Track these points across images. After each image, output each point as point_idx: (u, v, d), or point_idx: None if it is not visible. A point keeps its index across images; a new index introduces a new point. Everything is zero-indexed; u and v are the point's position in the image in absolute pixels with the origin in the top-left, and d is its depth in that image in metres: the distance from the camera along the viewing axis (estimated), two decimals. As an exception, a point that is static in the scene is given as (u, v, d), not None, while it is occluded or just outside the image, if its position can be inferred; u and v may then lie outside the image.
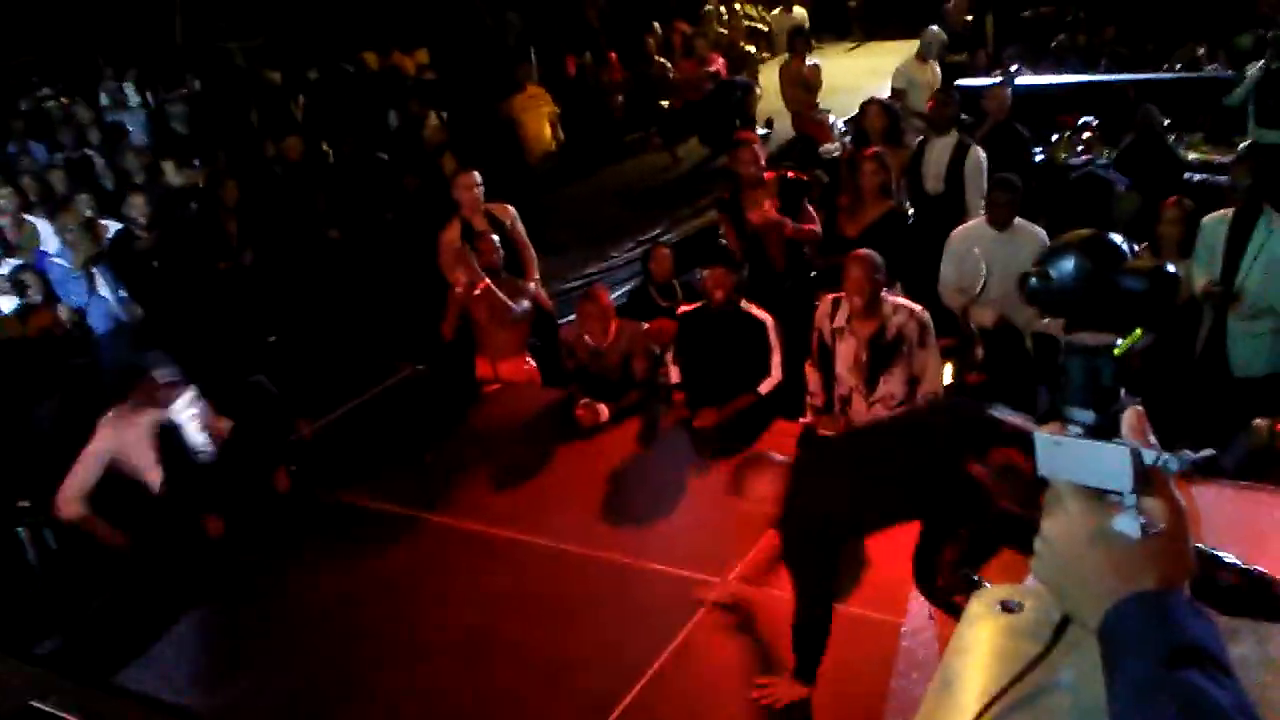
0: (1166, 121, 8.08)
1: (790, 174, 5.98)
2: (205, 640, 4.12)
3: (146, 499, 4.45)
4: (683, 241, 7.65)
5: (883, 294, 4.66)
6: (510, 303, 5.64)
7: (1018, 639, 1.15)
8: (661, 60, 10.96)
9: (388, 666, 3.67)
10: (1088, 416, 0.96)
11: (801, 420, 4.90)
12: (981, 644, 1.20)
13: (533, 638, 3.71)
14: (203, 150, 8.60)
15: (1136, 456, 0.88)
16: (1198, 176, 7.45)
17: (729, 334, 4.97)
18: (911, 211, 6.68)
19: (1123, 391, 0.97)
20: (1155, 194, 6.44)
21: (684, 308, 5.26)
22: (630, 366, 5.26)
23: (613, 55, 11.46)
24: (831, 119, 9.32)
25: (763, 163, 5.98)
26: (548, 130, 9.44)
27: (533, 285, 6.05)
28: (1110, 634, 0.85)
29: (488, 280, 5.58)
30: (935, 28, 8.98)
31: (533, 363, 6.02)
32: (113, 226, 7.06)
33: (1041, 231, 5.47)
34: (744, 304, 5.02)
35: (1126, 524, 0.87)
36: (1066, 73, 9.51)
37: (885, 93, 10.28)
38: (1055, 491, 0.93)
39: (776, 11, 13.12)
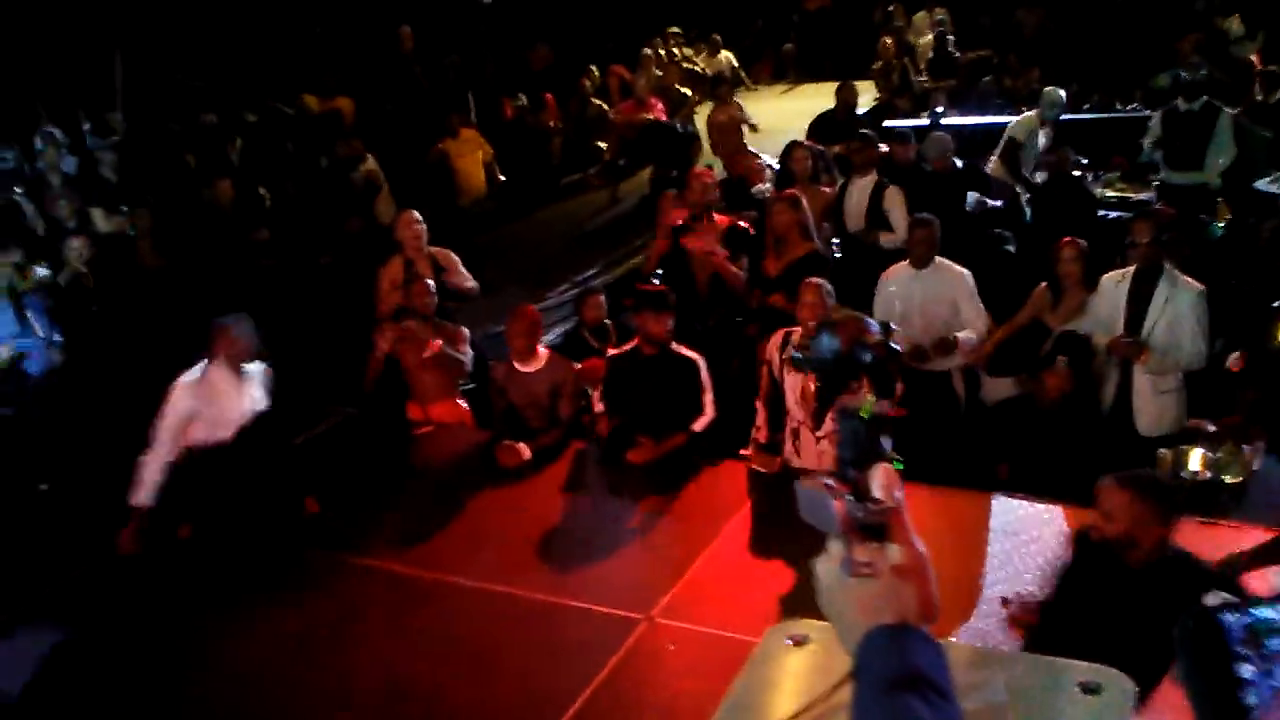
0: (1084, 160, 8.38)
1: (742, 224, 6.12)
2: (113, 683, 4.06)
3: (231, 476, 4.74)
4: (617, 282, 7.76)
5: (830, 323, 4.76)
6: (459, 356, 5.73)
7: (806, 671, 1.24)
8: (598, 103, 11.12)
9: (310, 714, 3.67)
10: (846, 470, 1.08)
11: (742, 453, 5.00)
12: (773, 675, 1.29)
13: (457, 679, 3.72)
14: (132, 197, 8.57)
15: (842, 506, 0.99)
16: (1113, 214, 7.72)
17: (660, 375, 5.05)
18: (838, 253, 6.87)
19: (888, 447, 1.09)
20: (1068, 232, 6.68)
21: (613, 350, 5.33)
22: (556, 402, 5.31)
23: (549, 97, 11.62)
24: (763, 160, 9.50)
25: (714, 196, 6.14)
26: (481, 173, 9.56)
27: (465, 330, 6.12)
28: (856, 663, 0.96)
29: (439, 342, 5.65)
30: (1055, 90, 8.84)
31: (465, 405, 6.06)
32: (39, 270, 7.05)
33: (963, 270, 5.63)
34: (674, 345, 5.11)
35: (844, 565, 0.99)
36: (991, 114, 9.79)
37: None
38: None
39: (705, 55, 13.39)
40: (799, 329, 4.78)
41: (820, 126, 8.98)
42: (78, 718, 3.80)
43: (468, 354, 5.96)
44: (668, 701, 3.64)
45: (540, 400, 5.26)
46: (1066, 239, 5.62)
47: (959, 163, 7.47)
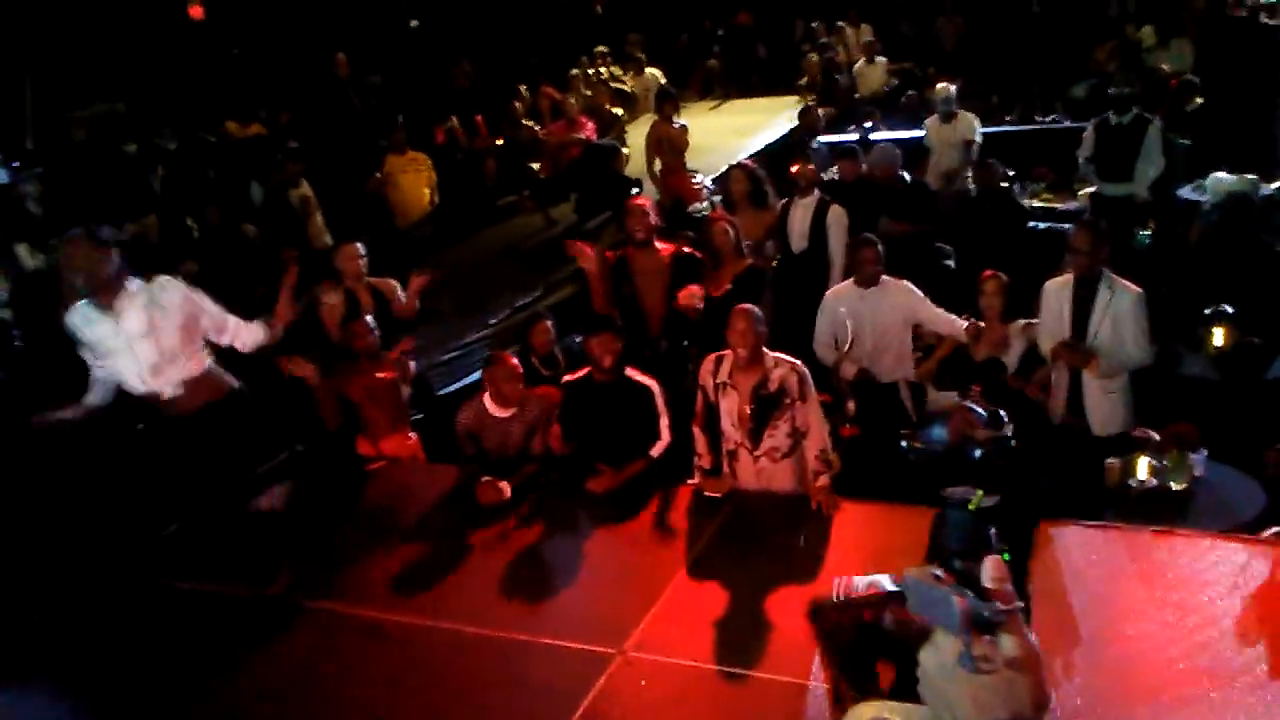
0: (1010, 172, 8.58)
1: (687, 250, 6.13)
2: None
3: None
4: (558, 305, 7.71)
5: (763, 348, 4.80)
6: (405, 388, 5.67)
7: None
8: (530, 124, 11.07)
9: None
10: (954, 561, 1.07)
11: (689, 482, 4.99)
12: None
13: (428, 725, 3.66)
14: (56, 230, 8.30)
15: (964, 606, 0.99)
16: (1042, 225, 7.91)
17: (616, 402, 5.04)
18: (775, 267, 6.93)
19: (993, 537, 1.09)
20: (999, 245, 6.83)
21: (568, 377, 5.31)
22: (530, 441, 5.25)
23: (479, 119, 11.54)
24: (699, 178, 9.56)
25: (653, 224, 6.14)
26: (424, 195, 9.48)
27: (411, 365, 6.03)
28: None
29: (391, 372, 5.59)
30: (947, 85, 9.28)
31: (414, 436, 5.98)
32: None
33: (906, 284, 5.72)
34: (628, 370, 5.10)
35: (964, 661, 0.98)
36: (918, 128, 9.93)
37: (749, 150, 10.68)
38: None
39: (631, 73, 13.42)
40: (729, 352, 4.82)
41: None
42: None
43: (407, 393, 5.92)
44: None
45: (515, 442, 5.20)
46: (989, 272, 5.73)
47: (906, 176, 7.59)
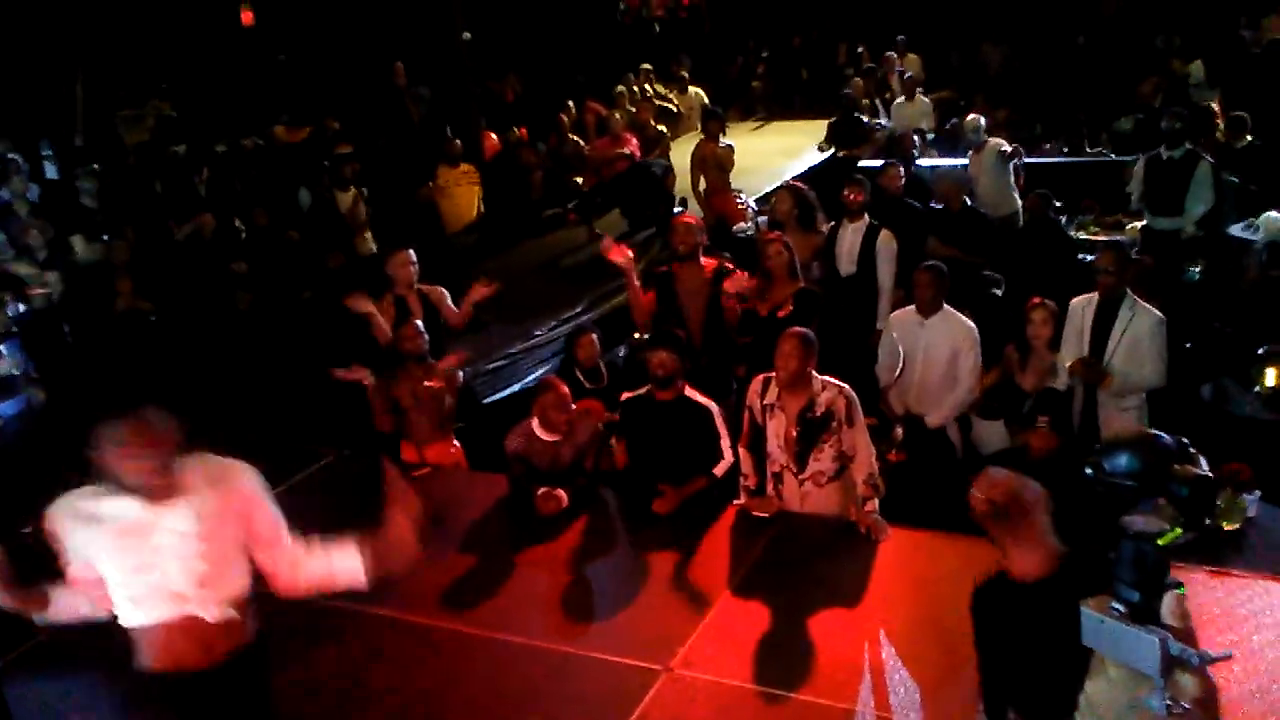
0: (1058, 204, 8.55)
1: (729, 264, 6.14)
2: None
3: None
4: (603, 318, 7.75)
5: (811, 371, 4.80)
6: (450, 398, 5.68)
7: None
8: (575, 138, 11.15)
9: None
10: (1133, 595, 1.06)
11: (735, 503, 4.99)
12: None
13: (475, 733, 3.67)
14: (110, 225, 8.44)
15: (1164, 647, 0.98)
16: (1089, 257, 7.85)
17: (675, 421, 5.03)
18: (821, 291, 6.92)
19: (1169, 575, 1.08)
20: (1048, 276, 6.80)
21: (627, 394, 5.27)
22: (581, 460, 5.26)
23: (523, 132, 11.63)
24: (743, 198, 9.58)
25: (698, 241, 6.15)
26: (473, 206, 9.58)
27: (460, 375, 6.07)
28: None
29: (439, 381, 5.59)
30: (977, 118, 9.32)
31: (458, 445, 6.01)
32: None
33: (968, 321, 5.68)
34: (688, 391, 5.09)
35: (1156, 702, 0.98)
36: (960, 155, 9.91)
37: (793, 171, 10.71)
38: (1099, 656, 1.03)
39: (675, 91, 13.49)
40: (777, 373, 4.81)
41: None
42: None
43: (450, 401, 5.94)
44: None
45: (563, 463, 5.20)
46: (1036, 300, 5.72)
47: (968, 201, 7.57)
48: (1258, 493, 4.86)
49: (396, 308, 6.28)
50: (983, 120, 9.32)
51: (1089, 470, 1.12)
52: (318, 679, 4.03)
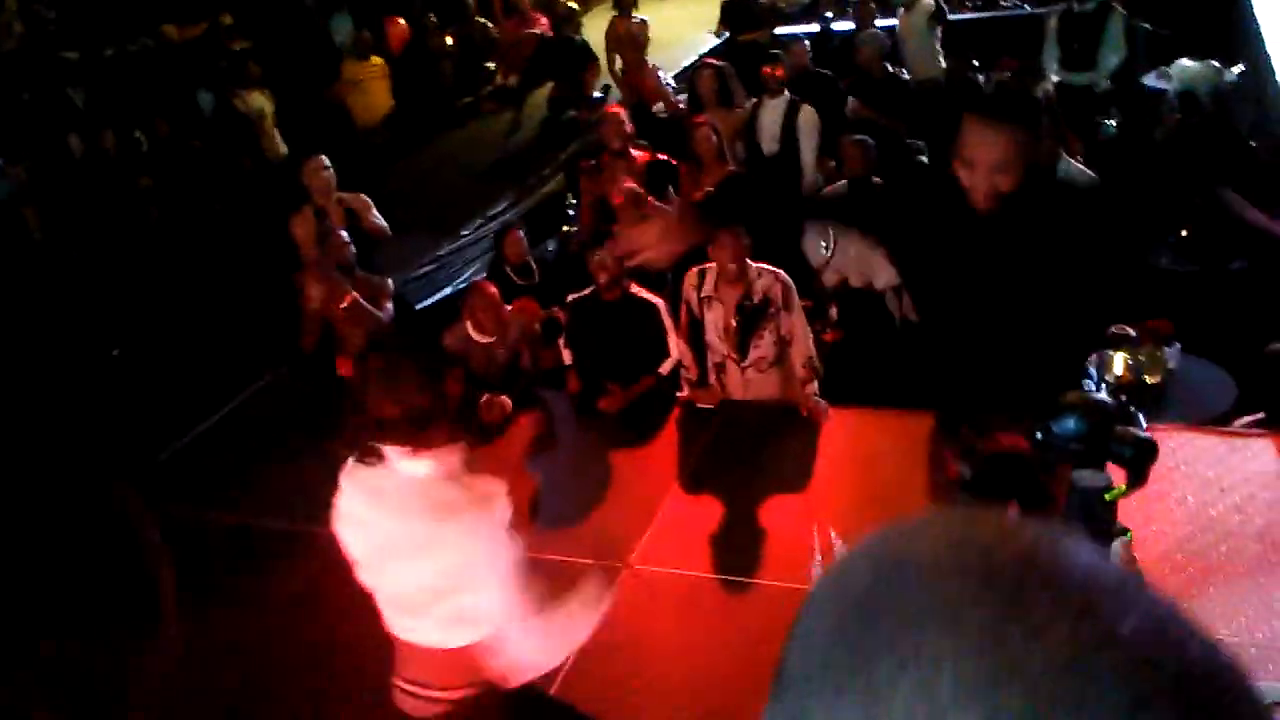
0: (976, 62, 8.52)
1: (662, 156, 6.06)
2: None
3: None
4: (529, 213, 7.64)
5: (746, 260, 4.82)
6: (376, 311, 5.55)
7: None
8: (483, 21, 10.77)
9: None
10: None
11: (680, 395, 5.05)
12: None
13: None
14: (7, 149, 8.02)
15: None
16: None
17: (622, 319, 5.04)
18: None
19: (1115, 524, 1.14)
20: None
21: (572, 295, 5.24)
22: (518, 360, 5.26)
23: (431, 19, 11.18)
24: (660, 74, 9.38)
25: (629, 132, 6.06)
26: (385, 101, 9.25)
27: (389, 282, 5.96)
28: None
29: (354, 294, 5.46)
30: None
31: (396, 354, 5.94)
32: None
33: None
34: (634, 288, 5.08)
35: None
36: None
37: (709, 43, 10.48)
38: None
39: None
40: (712, 265, 4.83)
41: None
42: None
43: (388, 310, 5.83)
44: (656, 645, 3.73)
45: (500, 363, 5.19)
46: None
47: (889, 67, 7.49)
48: (1177, 345, 5.05)
49: (317, 217, 6.12)
50: None
51: (1039, 434, 1.18)
52: (269, 606, 4.06)
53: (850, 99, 7.39)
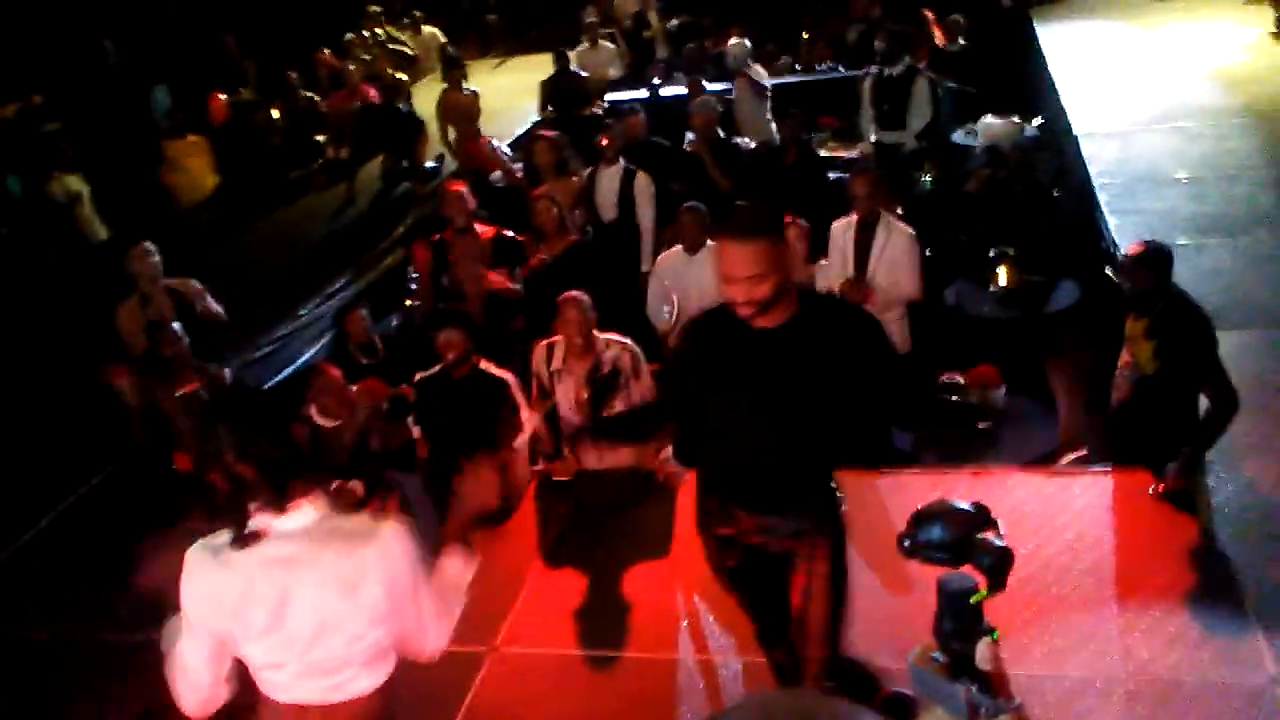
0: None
1: (508, 233, 6.09)
2: None
3: None
4: (369, 288, 7.53)
5: (593, 331, 4.87)
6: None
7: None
8: (309, 94, 10.62)
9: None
10: (952, 645, 1.20)
11: (534, 469, 5.03)
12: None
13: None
14: None
15: (969, 698, 1.13)
16: (833, 175, 8.22)
17: (472, 397, 4.97)
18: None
19: (983, 623, 1.22)
20: (803, 197, 7.09)
21: (420, 375, 5.12)
22: (367, 441, 5.13)
23: (251, 91, 10.96)
24: (494, 144, 9.43)
25: (471, 209, 6.07)
26: (208, 179, 8.98)
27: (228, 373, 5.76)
28: None
29: (194, 384, 5.26)
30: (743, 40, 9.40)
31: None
32: None
33: None
34: (482, 364, 5.01)
35: None
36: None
37: (536, 113, 10.55)
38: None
39: (409, 33, 13.01)
40: (559, 339, 4.87)
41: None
42: None
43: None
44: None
45: (347, 447, 5.06)
46: (789, 218, 5.99)
47: (720, 132, 7.68)
48: (1003, 388, 5.36)
49: (142, 306, 5.86)
50: (748, 44, 9.46)
51: (906, 542, 1.28)
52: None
53: (689, 135, 7.57)
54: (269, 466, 2.18)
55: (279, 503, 2.19)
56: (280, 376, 6.67)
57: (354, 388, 5.50)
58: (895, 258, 5.58)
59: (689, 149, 7.46)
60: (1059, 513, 4.23)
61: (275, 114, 10.12)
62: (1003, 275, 6.28)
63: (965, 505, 1.33)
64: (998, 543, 1.24)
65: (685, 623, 4.06)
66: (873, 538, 4.43)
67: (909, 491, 4.62)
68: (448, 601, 2.49)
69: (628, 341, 4.94)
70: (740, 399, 2.78)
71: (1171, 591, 3.75)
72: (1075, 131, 7.81)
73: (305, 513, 2.22)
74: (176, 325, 5.53)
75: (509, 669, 3.90)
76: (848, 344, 2.69)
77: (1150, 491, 4.07)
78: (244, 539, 2.19)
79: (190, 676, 2.35)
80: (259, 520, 2.20)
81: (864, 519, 4.58)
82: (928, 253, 6.44)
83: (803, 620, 2.73)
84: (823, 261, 5.92)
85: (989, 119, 8.24)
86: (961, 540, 1.29)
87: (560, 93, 10.04)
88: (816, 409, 2.68)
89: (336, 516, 2.27)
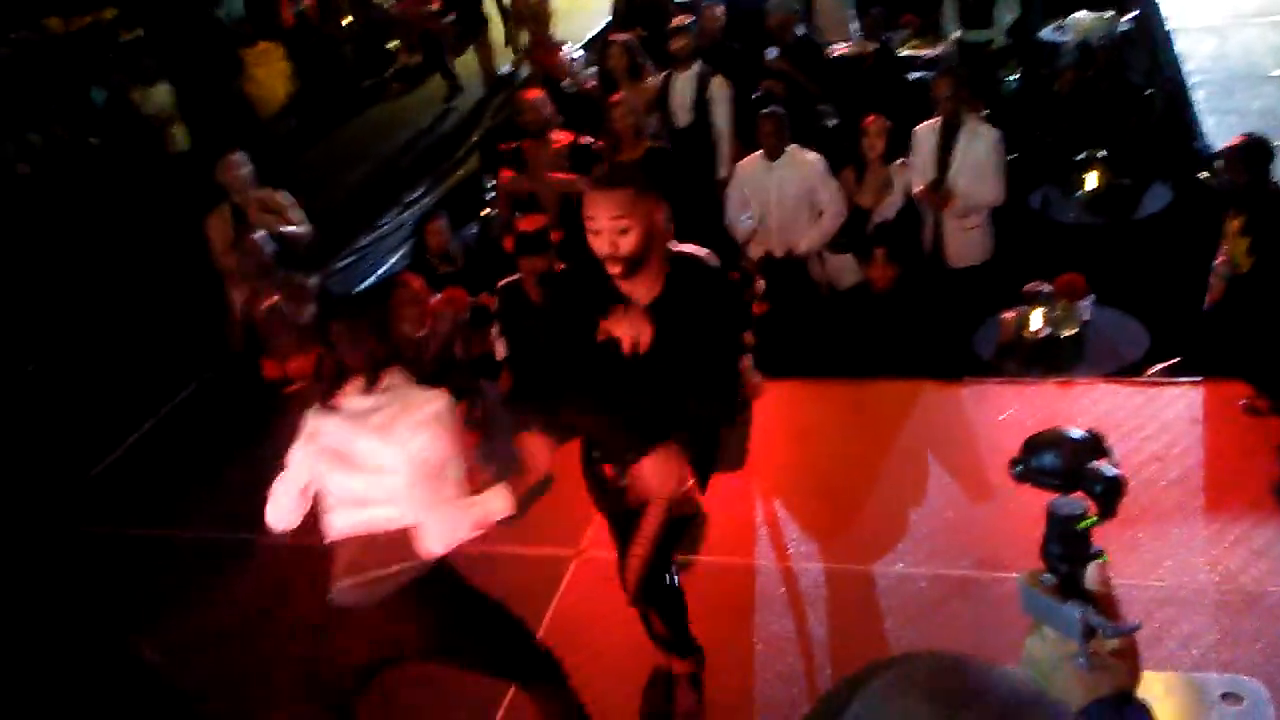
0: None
1: (584, 140, 6.05)
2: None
3: None
4: (447, 198, 7.57)
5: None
6: (299, 311, 5.46)
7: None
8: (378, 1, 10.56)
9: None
10: (1061, 568, 1.22)
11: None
12: None
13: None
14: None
15: (1084, 619, 1.15)
16: (914, 75, 8.01)
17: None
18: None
19: (1090, 548, 1.24)
20: (882, 99, 6.91)
21: (503, 280, 5.15)
22: (450, 351, 5.22)
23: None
24: (567, 49, 9.31)
25: (547, 116, 6.04)
26: (282, 87, 9.02)
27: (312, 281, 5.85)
28: None
29: (275, 298, 5.37)
30: None
31: (324, 352, 5.87)
32: None
33: (815, 156, 5.79)
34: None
35: (1082, 660, 1.15)
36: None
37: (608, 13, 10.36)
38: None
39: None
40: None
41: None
42: None
43: (310, 311, 5.74)
44: (611, 630, 3.79)
45: (434, 354, 5.16)
46: (871, 116, 5.87)
47: (800, 30, 7.49)
48: (1091, 297, 5.24)
49: (234, 217, 5.97)
50: None
51: (1019, 468, 1.30)
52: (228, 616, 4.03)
53: (770, 51, 7.40)
54: (372, 356, 2.69)
55: (373, 380, 2.71)
56: (364, 286, 6.78)
57: (435, 297, 5.59)
58: (977, 161, 5.48)
59: (770, 65, 7.26)
60: (1147, 423, 4.19)
61: (346, 20, 10.09)
62: (1091, 179, 6.11)
63: (1079, 432, 1.33)
64: (1110, 472, 1.25)
65: (763, 530, 4.13)
66: (954, 447, 4.46)
67: (991, 401, 4.61)
68: (463, 510, 2.83)
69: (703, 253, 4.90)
70: (603, 370, 2.88)
71: (1260, 504, 3.72)
72: (1168, 26, 7.48)
73: (388, 383, 2.73)
74: (263, 233, 5.63)
75: (595, 572, 4.00)
76: (711, 318, 2.80)
77: (1242, 403, 4.00)
78: (336, 404, 2.71)
79: (280, 500, 2.91)
80: (352, 389, 2.71)
81: (945, 429, 4.63)
82: (1013, 156, 6.29)
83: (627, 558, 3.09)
84: (900, 161, 5.81)
85: (1081, 14, 7.91)
86: (1074, 468, 1.30)
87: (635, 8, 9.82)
88: (676, 379, 2.79)
89: (408, 387, 2.75)
